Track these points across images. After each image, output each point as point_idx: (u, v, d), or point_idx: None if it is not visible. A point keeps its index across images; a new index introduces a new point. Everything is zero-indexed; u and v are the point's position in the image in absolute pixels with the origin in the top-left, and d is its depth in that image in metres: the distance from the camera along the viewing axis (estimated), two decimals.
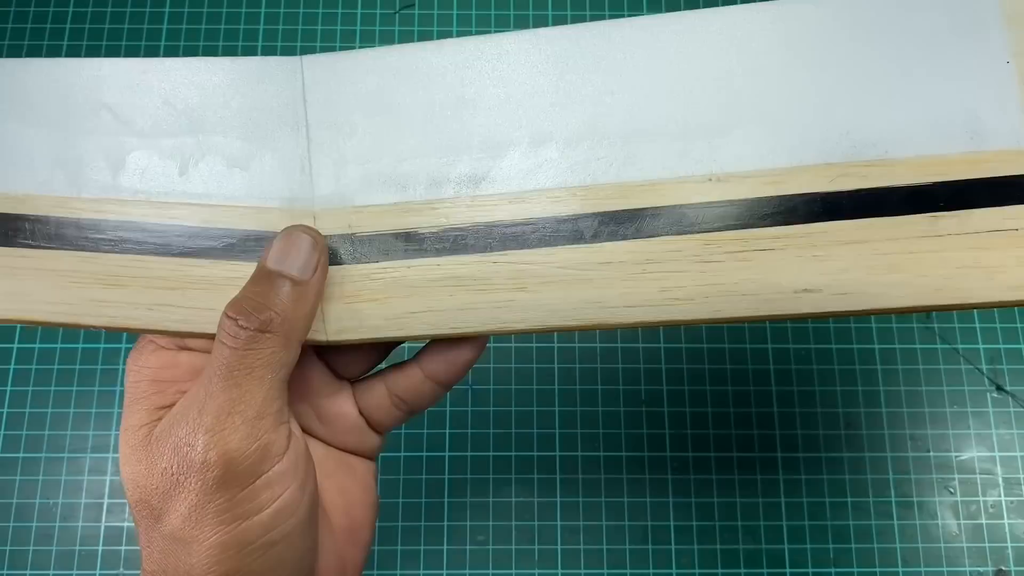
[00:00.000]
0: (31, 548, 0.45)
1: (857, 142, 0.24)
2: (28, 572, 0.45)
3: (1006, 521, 0.46)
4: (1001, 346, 0.48)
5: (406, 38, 0.54)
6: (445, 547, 0.45)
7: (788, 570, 0.45)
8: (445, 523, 0.46)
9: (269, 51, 0.53)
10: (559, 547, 0.45)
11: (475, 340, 0.27)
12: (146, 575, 0.23)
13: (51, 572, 0.45)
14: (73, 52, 0.53)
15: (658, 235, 0.25)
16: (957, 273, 0.23)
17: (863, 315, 0.24)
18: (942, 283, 0.23)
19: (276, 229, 0.25)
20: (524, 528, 0.46)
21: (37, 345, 0.48)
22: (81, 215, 0.26)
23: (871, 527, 0.46)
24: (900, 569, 0.45)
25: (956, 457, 0.47)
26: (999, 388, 0.48)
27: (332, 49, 0.53)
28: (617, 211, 0.25)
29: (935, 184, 0.24)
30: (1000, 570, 0.45)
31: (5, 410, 0.47)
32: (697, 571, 0.45)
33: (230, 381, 0.22)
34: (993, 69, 0.24)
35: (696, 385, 0.48)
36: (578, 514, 0.46)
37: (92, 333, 0.48)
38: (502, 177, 0.26)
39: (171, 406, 0.24)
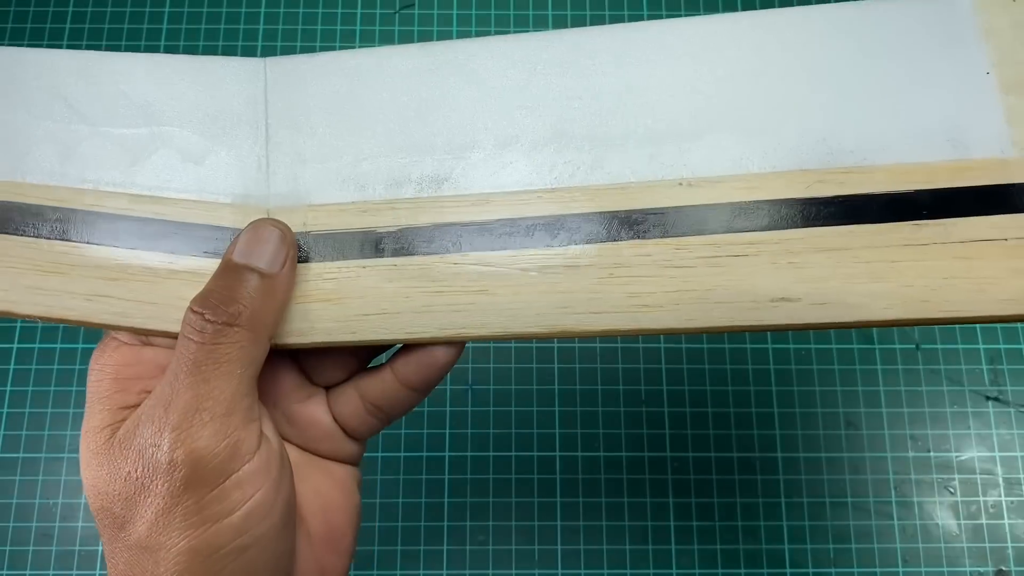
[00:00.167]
0: (31, 548, 0.45)
1: (834, 149, 0.24)
2: (28, 572, 0.45)
3: (1006, 521, 0.46)
4: (1001, 346, 0.48)
5: (406, 38, 0.54)
6: (445, 547, 0.45)
7: (788, 570, 0.45)
8: (445, 523, 0.46)
9: (269, 51, 0.53)
10: (559, 547, 0.45)
11: (446, 342, 0.25)
12: None
13: (51, 572, 0.45)
14: None
15: (626, 239, 0.24)
16: (945, 284, 0.23)
17: (845, 328, 0.23)
18: (929, 295, 0.23)
19: (227, 224, 0.25)
20: (524, 528, 0.46)
21: (37, 345, 0.48)
22: (24, 200, 0.25)
23: (871, 527, 0.46)
24: (900, 569, 0.45)
25: (956, 457, 0.47)
26: (987, 398, 0.47)
27: (332, 50, 0.53)
28: (583, 214, 0.24)
29: (917, 192, 0.23)
30: (1000, 570, 0.45)
31: (5, 410, 0.47)
32: (697, 571, 0.45)
33: (197, 377, 0.21)
34: (973, 80, 0.24)
35: (696, 385, 0.48)
36: (578, 514, 0.46)
37: (94, 332, 0.48)
38: (465, 178, 0.25)
39: (135, 406, 0.23)
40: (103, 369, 0.24)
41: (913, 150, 0.24)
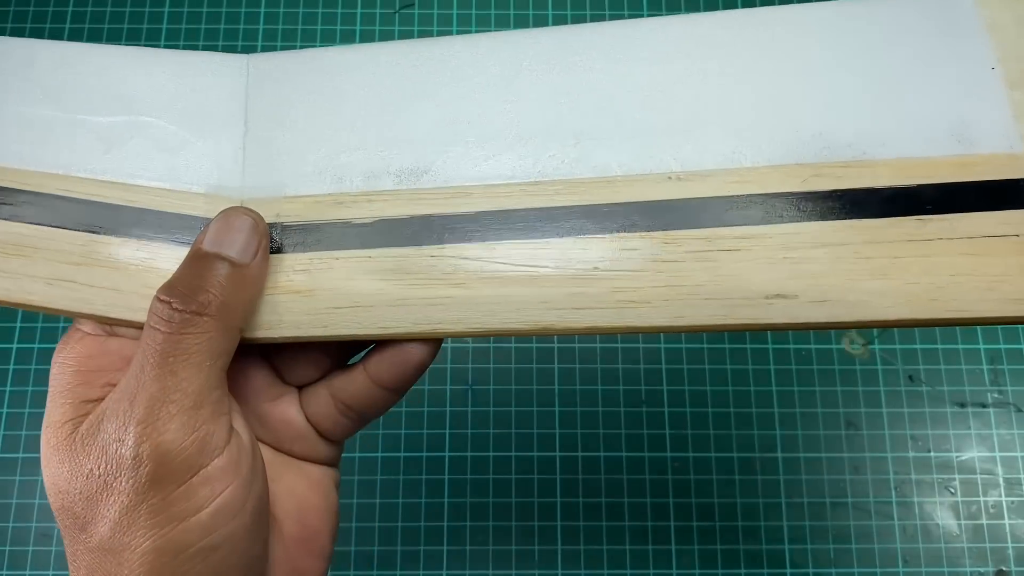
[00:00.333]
0: (31, 548, 0.45)
1: (830, 143, 0.23)
2: (28, 572, 0.45)
3: (1007, 521, 0.45)
4: (1002, 346, 0.48)
5: (406, 38, 0.54)
6: (445, 548, 0.45)
7: (789, 570, 0.45)
8: (445, 523, 0.46)
9: (269, 51, 0.53)
10: (559, 548, 0.45)
11: (422, 339, 0.24)
12: None
13: (51, 572, 0.45)
14: None
15: (611, 232, 0.23)
16: (952, 282, 0.21)
17: (847, 328, 0.22)
18: (935, 293, 0.21)
19: (198, 214, 0.24)
20: (524, 528, 0.46)
21: (37, 345, 0.48)
22: None
23: (872, 527, 0.46)
24: (901, 569, 0.45)
25: (957, 457, 0.47)
26: (988, 398, 0.47)
27: None
28: (567, 207, 0.24)
29: (921, 186, 0.22)
30: (1001, 570, 0.45)
31: (5, 410, 0.47)
32: (697, 571, 0.45)
33: (164, 368, 0.20)
34: (978, 75, 0.23)
35: (696, 385, 0.48)
36: (578, 515, 0.46)
37: None
38: (445, 171, 0.24)
39: (98, 400, 0.22)
40: (65, 361, 0.23)
41: (915, 145, 0.23)
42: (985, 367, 0.48)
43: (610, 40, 0.25)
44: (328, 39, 0.53)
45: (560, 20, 0.54)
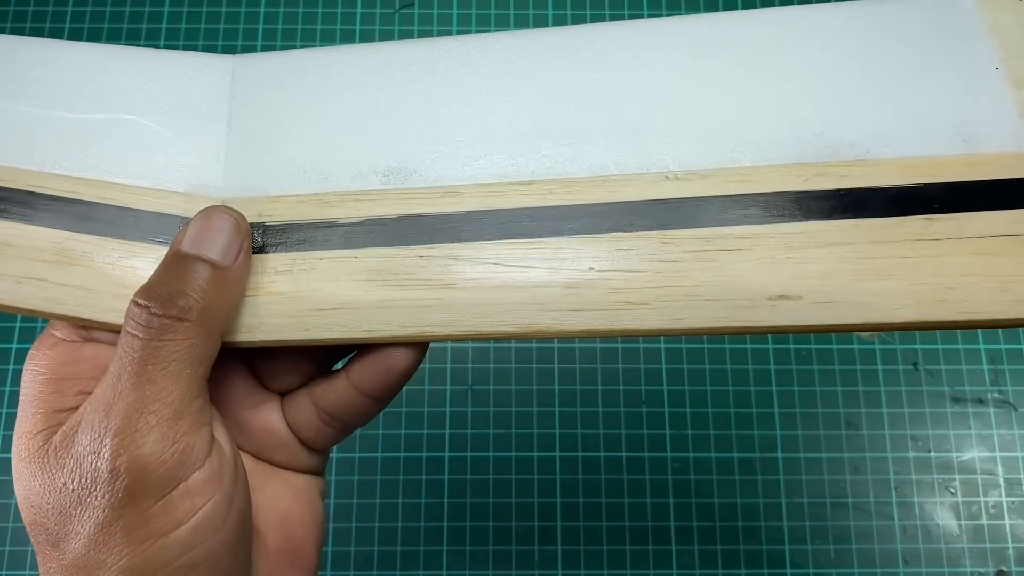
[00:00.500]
0: (30, 548, 0.45)
1: (832, 142, 0.23)
2: (28, 572, 0.45)
3: (1007, 521, 0.45)
4: (1002, 346, 0.48)
5: (406, 38, 0.53)
6: (445, 548, 0.45)
7: (789, 571, 0.45)
8: (445, 524, 0.46)
9: (269, 51, 0.53)
10: (559, 548, 0.45)
11: (408, 344, 0.23)
12: None
13: None
14: None
15: (607, 232, 0.22)
16: (962, 283, 0.21)
17: (853, 331, 0.21)
18: (945, 294, 0.21)
19: (177, 213, 0.24)
20: (524, 529, 0.45)
21: None
22: None
23: (872, 528, 0.46)
24: (901, 570, 0.45)
25: (957, 457, 0.47)
26: (988, 398, 0.47)
27: None
28: (561, 206, 0.23)
29: (927, 185, 0.22)
30: (1001, 571, 0.45)
31: (5, 410, 0.47)
32: (698, 572, 0.45)
33: (142, 377, 0.19)
34: (981, 75, 0.23)
35: (697, 385, 0.48)
36: (578, 515, 0.46)
37: None
38: (435, 171, 0.24)
39: (72, 409, 0.21)
40: (37, 368, 0.22)
41: (919, 144, 0.23)
42: (985, 367, 0.48)
43: (605, 41, 0.25)
44: (328, 39, 0.53)
45: (560, 20, 0.54)
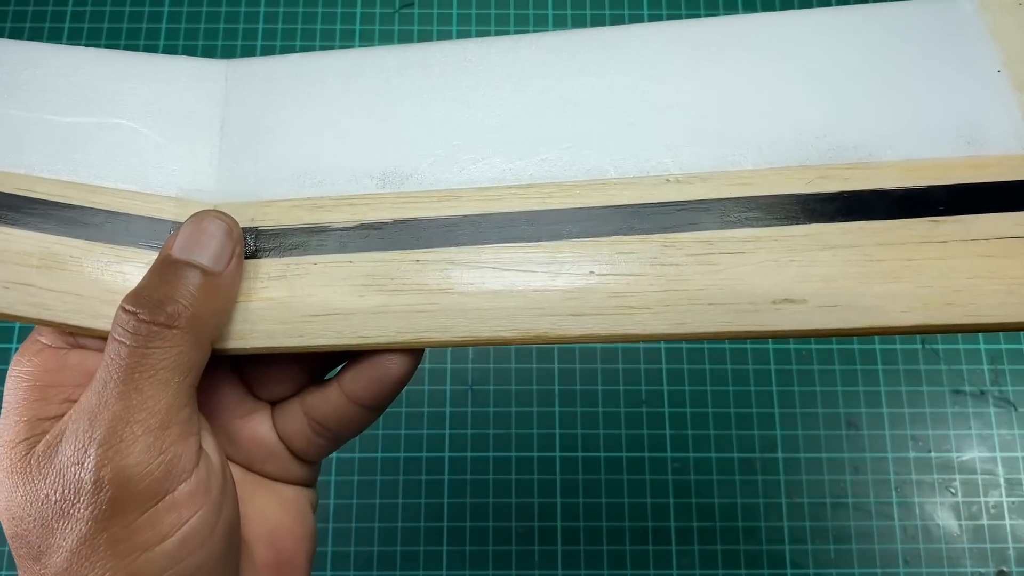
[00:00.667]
0: None
1: (834, 145, 0.23)
2: None
3: (1007, 522, 0.45)
4: (1003, 346, 0.48)
5: (405, 38, 0.53)
6: (445, 548, 0.45)
7: (789, 571, 0.45)
8: (445, 524, 0.46)
9: (268, 51, 0.53)
10: (559, 548, 0.45)
11: (403, 350, 0.22)
12: None
13: None
14: None
15: (607, 235, 0.22)
16: (969, 285, 0.20)
17: (859, 335, 0.21)
18: (952, 297, 0.20)
19: (168, 217, 0.23)
20: (524, 529, 0.45)
21: None
22: None
23: (872, 528, 0.46)
24: (901, 570, 0.45)
25: (958, 458, 0.46)
26: (989, 398, 0.47)
27: (331, 50, 0.53)
28: (559, 210, 0.22)
29: (932, 187, 0.22)
30: (1002, 571, 0.45)
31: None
32: (698, 572, 0.45)
33: (129, 385, 0.19)
34: (983, 78, 0.23)
35: (697, 385, 0.48)
36: (578, 515, 0.46)
37: None
38: (432, 175, 0.23)
39: (56, 418, 0.20)
40: (21, 375, 0.21)
41: (923, 146, 0.22)
42: (986, 366, 0.48)
43: (605, 45, 0.25)
44: (328, 39, 0.53)
45: (560, 19, 0.54)
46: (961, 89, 0.23)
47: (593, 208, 0.23)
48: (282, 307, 0.22)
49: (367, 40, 0.53)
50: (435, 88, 0.25)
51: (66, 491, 0.19)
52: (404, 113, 0.24)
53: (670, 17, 0.53)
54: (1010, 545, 0.45)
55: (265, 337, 0.22)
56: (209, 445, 0.21)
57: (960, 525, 0.45)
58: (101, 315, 0.22)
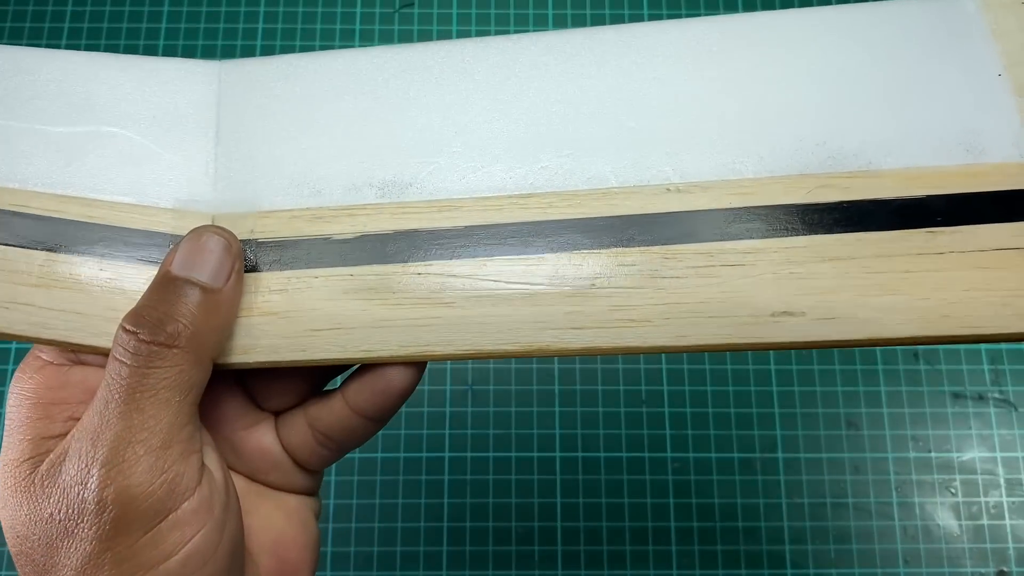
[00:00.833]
0: None
1: (834, 152, 0.23)
2: None
3: (1008, 522, 0.45)
4: (1003, 347, 0.48)
5: (405, 38, 0.53)
6: (444, 548, 0.45)
7: (789, 571, 0.45)
8: (444, 524, 0.46)
9: (268, 51, 0.53)
10: (559, 549, 0.45)
11: (407, 363, 0.22)
12: None
13: None
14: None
15: (608, 247, 0.22)
16: (965, 297, 0.21)
17: (857, 346, 0.21)
18: (948, 309, 0.21)
19: (166, 230, 0.23)
20: (524, 529, 0.45)
21: None
22: None
23: (872, 528, 0.45)
24: (902, 570, 0.45)
25: (958, 458, 0.46)
26: (989, 398, 0.47)
27: (330, 50, 0.53)
28: (561, 220, 0.22)
29: (930, 197, 0.22)
30: (1002, 571, 0.45)
31: (5, 410, 0.47)
32: (698, 572, 0.45)
33: (131, 405, 0.19)
34: (984, 82, 0.23)
35: (697, 385, 0.48)
36: (578, 516, 0.46)
37: None
38: (432, 183, 0.23)
39: (60, 436, 0.20)
40: (23, 392, 0.21)
41: (922, 154, 0.22)
42: (986, 367, 0.48)
43: (603, 46, 0.24)
44: (328, 39, 0.53)
45: (560, 19, 0.54)
46: (961, 93, 0.23)
47: (594, 219, 0.22)
48: (284, 321, 0.22)
49: (367, 40, 0.53)
50: (434, 92, 0.24)
51: (70, 511, 0.19)
52: (403, 118, 0.24)
53: (670, 17, 0.53)
54: (1010, 545, 0.45)
55: (268, 352, 0.22)
56: (212, 461, 0.22)
57: (960, 525, 0.45)
58: (102, 332, 0.22)
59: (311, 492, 0.26)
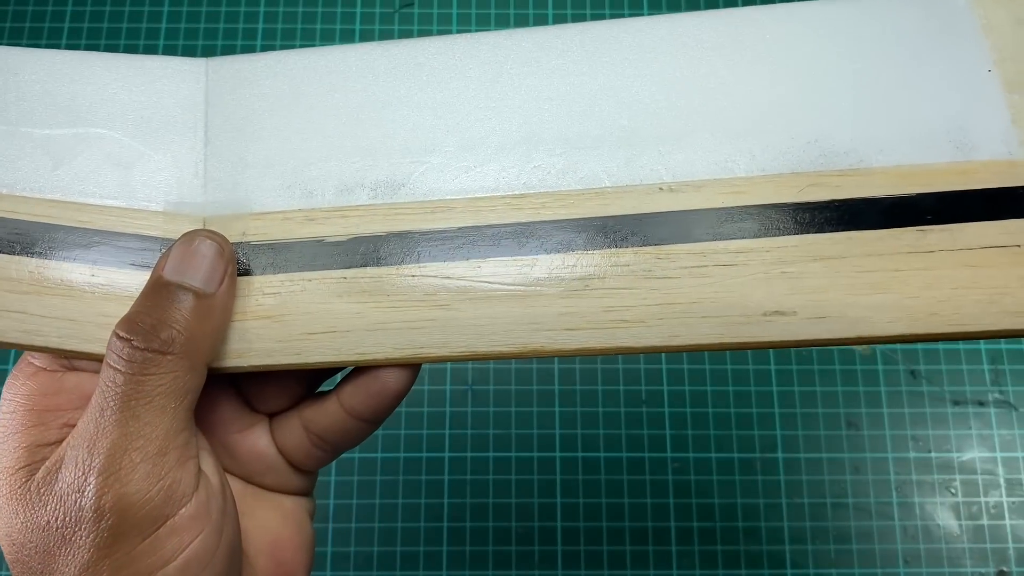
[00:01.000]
0: None
1: (826, 150, 0.23)
2: None
3: (1008, 522, 0.45)
4: (1003, 346, 0.48)
5: (406, 37, 0.53)
6: (444, 548, 0.45)
7: (789, 571, 0.45)
8: (444, 524, 0.46)
9: (268, 51, 0.53)
10: (559, 549, 0.45)
11: (401, 365, 0.22)
12: None
13: None
14: None
15: (601, 248, 0.22)
16: (954, 295, 0.21)
17: (847, 344, 0.21)
18: (937, 307, 0.21)
19: (157, 234, 0.23)
20: (524, 529, 0.45)
21: None
22: None
23: (873, 528, 0.45)
24: (902, 570, 0.45)
25: (958, 458, 0.46)
26: (989, 398, 0.47)
27: None
28: (554, 221, 0.22)
29: (920, 195, 0.22)
30: (1002, 571, 0.45)
31: None
32: (698, 572, 0.45)
33: (126, 413, 0.19)
34: (974, 78, 0.23)
35: (697, 385, 0.48)
36: (578, 516, 0.46)
37: None
38: (424, 184, 0.23)
39: (55, 443, 0.20)
40: (16, 399, 0.21)
41: (913, 151, 0.22)
42: (986, 367, 0.48)
43: (595, 42, 0.24)
44: (328, 39, 0.53)
45: (560, 20, 0.54)
46: (951, 89, 0.23)
47: (588, 219, 0.23)
48: (278, 325, 0.22)
49: (367, 40, 0.53)
50: (424, 89, 0.24)
51: (67, 518, 0.19)
52: (393, 116, 0.24)
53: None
54: (1010, 545, 0.45)
55: (263, 355, 0.22)
56: (208, 466, 0.22)
57: (960, 525, 0.45)
58: (95, 339, 0.22)
59: (306, 493, 0.26)
